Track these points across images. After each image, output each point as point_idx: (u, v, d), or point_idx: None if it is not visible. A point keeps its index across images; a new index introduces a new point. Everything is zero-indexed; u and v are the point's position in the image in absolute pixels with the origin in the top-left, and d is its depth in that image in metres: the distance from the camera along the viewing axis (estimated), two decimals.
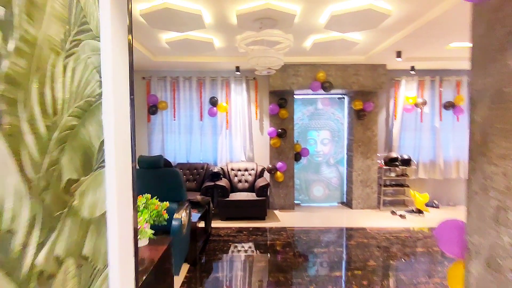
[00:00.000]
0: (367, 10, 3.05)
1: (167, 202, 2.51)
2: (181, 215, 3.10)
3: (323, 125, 6.28)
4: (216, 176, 5.31)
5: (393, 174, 5.85)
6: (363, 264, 3.52)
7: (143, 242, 2.04)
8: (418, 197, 5.49)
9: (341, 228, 4.85)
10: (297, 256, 3.76)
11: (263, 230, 4.69)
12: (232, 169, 5.66)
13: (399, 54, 4.55)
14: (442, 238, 1.24)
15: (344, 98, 6.23)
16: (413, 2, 2.98)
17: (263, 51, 3.33)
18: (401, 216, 5.34)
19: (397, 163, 5.68)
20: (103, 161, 1.05)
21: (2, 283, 0.61)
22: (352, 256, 3.79)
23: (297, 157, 5.92)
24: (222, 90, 5.86)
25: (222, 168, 5.64)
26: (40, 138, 0.73)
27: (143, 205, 2.26)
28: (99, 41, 1.02)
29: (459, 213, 5.23)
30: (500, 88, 0.91)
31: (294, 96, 5.87)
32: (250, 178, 5.60)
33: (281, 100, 5.65)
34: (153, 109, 5.75)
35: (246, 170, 5.68)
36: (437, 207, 5.89)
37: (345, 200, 6.31)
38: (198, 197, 4.26)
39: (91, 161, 0.98)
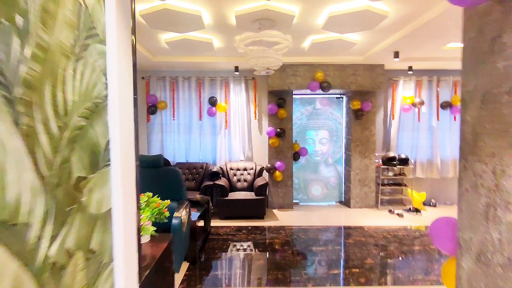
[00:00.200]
0: (365, 11, 3.09)
1: (168, 200, 2.55)
2: (181, 214, 3.14)
3: (322, 124, 6.32)
4: (215, 175, 5.35)
5: (390, 173, 5.89)
6: (361, 262, 3.56)
7: (145, 238, 2.08)
8: (416, 196, 5.54)
9: (339, 227, 4.89)
10: (296, 255, 3.80)
11: (262, 229, 4.72)
12: (231, 169, 5.70)
13: (396, 55, 4.59)
14: (436, 235, 1.27)
15: (342, 98, 6.27)
16: (410, 3, 3.02)
17: (262, 52, 3.36)
18: (398, 215, 5.39)
19: (394, 162, 5.72)
20: (109, 160, 1.09)
21: (19, 272, 0.66)
22: (350, 254, 3.84)
23: (296, 156, 5.95)
24: (221, 90, 5.89)
25: (221, 168, 5.68)
26: (53, 138, 0.78)
27: (145, 203, 2.30)
28: (105, 44, 1.06)
29: (455, 212, 5.23)
30: (489, 89, 0.95)
31: (293, 96, 5.90)
32: (249, 178, 5.64)
33: (279, 100, 5.68)
34: (152, 109, 5.78)
35: (245, 169, 5.72)
36: (434, 205, 5.96)
37: (343, 199, 6.36)
38: (197, 196, 4.29)
39: (98, 160, 1.02)
